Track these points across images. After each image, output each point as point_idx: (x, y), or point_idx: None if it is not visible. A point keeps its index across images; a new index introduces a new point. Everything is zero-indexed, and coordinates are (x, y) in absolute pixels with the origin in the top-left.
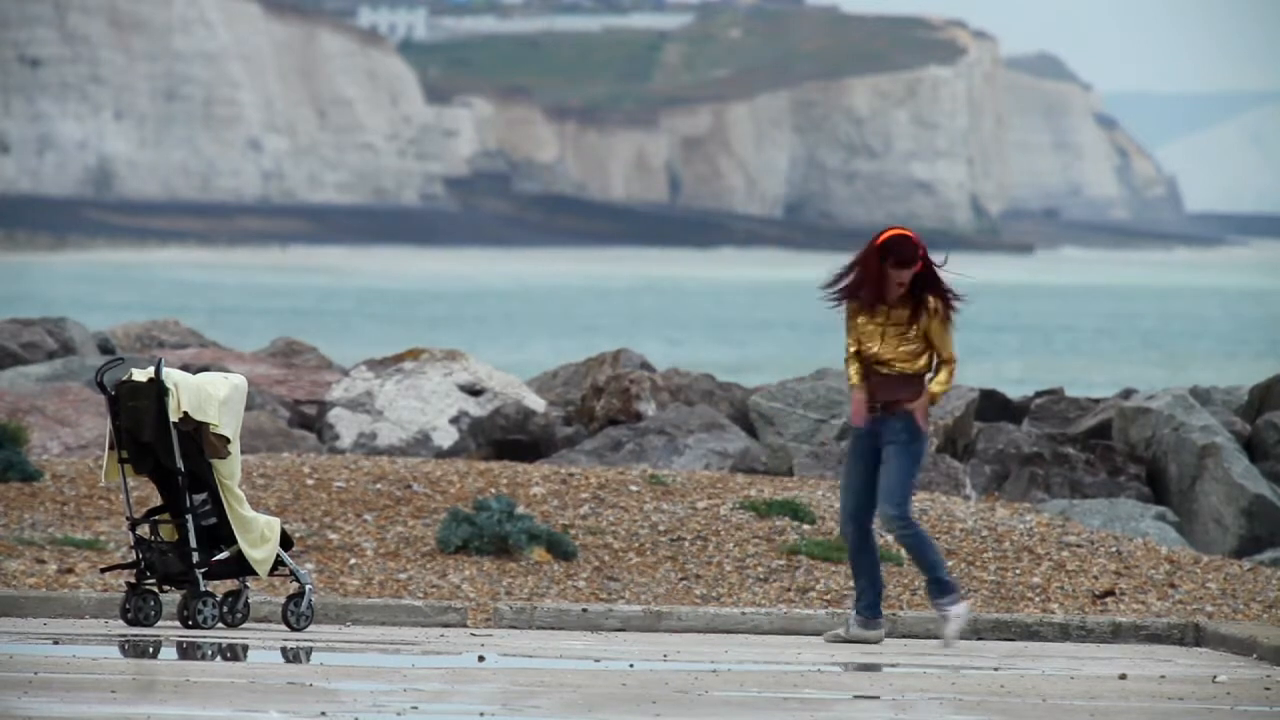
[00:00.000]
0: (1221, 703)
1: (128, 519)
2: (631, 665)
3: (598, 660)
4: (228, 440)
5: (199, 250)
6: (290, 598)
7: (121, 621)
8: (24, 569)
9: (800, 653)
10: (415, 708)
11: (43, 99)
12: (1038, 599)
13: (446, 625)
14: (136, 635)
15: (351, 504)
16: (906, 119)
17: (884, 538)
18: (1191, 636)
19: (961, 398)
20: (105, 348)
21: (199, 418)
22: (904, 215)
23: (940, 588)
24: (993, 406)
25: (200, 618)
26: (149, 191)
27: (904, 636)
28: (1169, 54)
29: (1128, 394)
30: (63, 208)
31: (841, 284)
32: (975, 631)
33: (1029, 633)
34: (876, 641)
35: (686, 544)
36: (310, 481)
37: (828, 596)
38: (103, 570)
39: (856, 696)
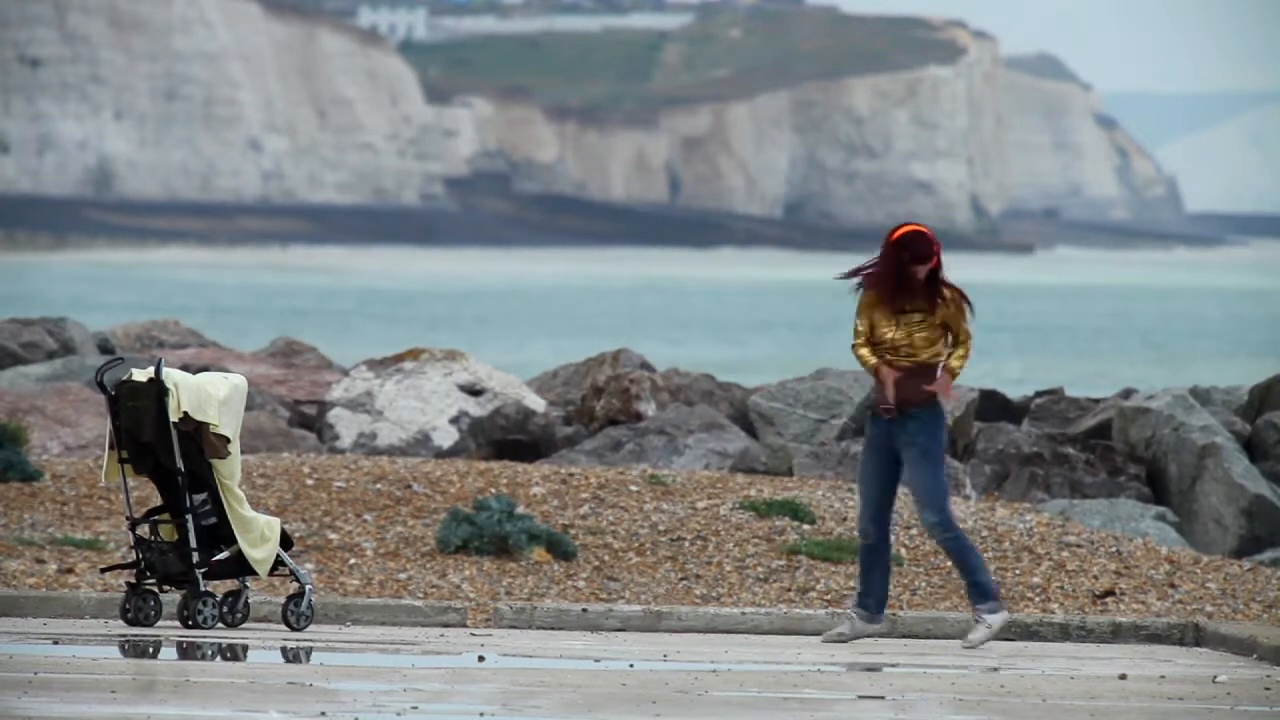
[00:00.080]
0: (1221, 703)
1: (128, 519)
2: (631, 665)
3: (598, 660)
4: (228, 440)
5: (199, 250)
6: (290, 598)
7: (121, 621)
8: (24, 569)
9: (800, 653)
10: (415, 708)
11: (43, 99)
12: (1038, 599)
13: (446, 625)
14: (136, 635)
15: (351, 504)
16: (906, 119)
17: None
18: (1191, 636)
19: (962, 398)
20: (105, 348)
21: (199, 418)
22: (904, 215)
23: (981, 592)
24: (993, 406)
25: (200, 618)
26: (149, 191)
27: (904, 637)
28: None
29: (1128, 394)
30: (63, 208)
31: (863, 273)
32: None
33: (1029, 633)
34: (879, 634)
35: (686, 544)
36: (310, 481)
37: (828, 596)
38: (103, 570)
39: (857, 696)
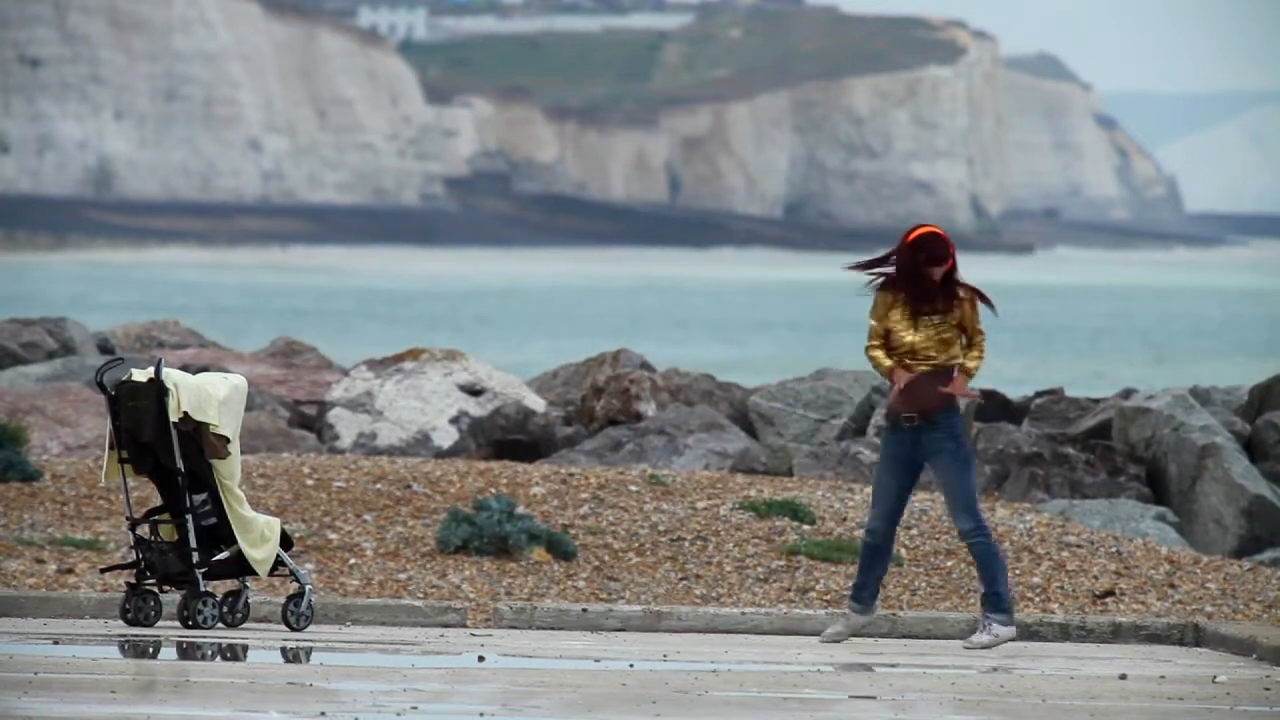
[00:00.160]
0: (1221, 703)
1: (128, 519)
2: (631, 665)
3: (598, 660)
4: (228, 440)
5: (199, 250)
6: (290, 598)
7: (121, 621)
8: (24, 569)
9: (800, 653)
10: (415, 708)
11: (43, 99)
12: (1038, 599)
13: (446, 625)
14: (136, 635)
15: (351, 504)
16: (906, 119)
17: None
18: (1191, 636)
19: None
20: (105, 348)
21: (199, 418)
22: (904, 215)
23: (997, 602)
24: (993, 406)
25: (200, 618)
26: (149, 191)
27: (904, 637)
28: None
29: (1128, 394)
30: (63, 208)
31: (878, 269)
32: (973, 632)
33: (1029, 633)
34: (871, 623)
35: (686, 544)
36: (310, 481)
37: (828, 596)
38: (103, 570)
39: (856, 696)
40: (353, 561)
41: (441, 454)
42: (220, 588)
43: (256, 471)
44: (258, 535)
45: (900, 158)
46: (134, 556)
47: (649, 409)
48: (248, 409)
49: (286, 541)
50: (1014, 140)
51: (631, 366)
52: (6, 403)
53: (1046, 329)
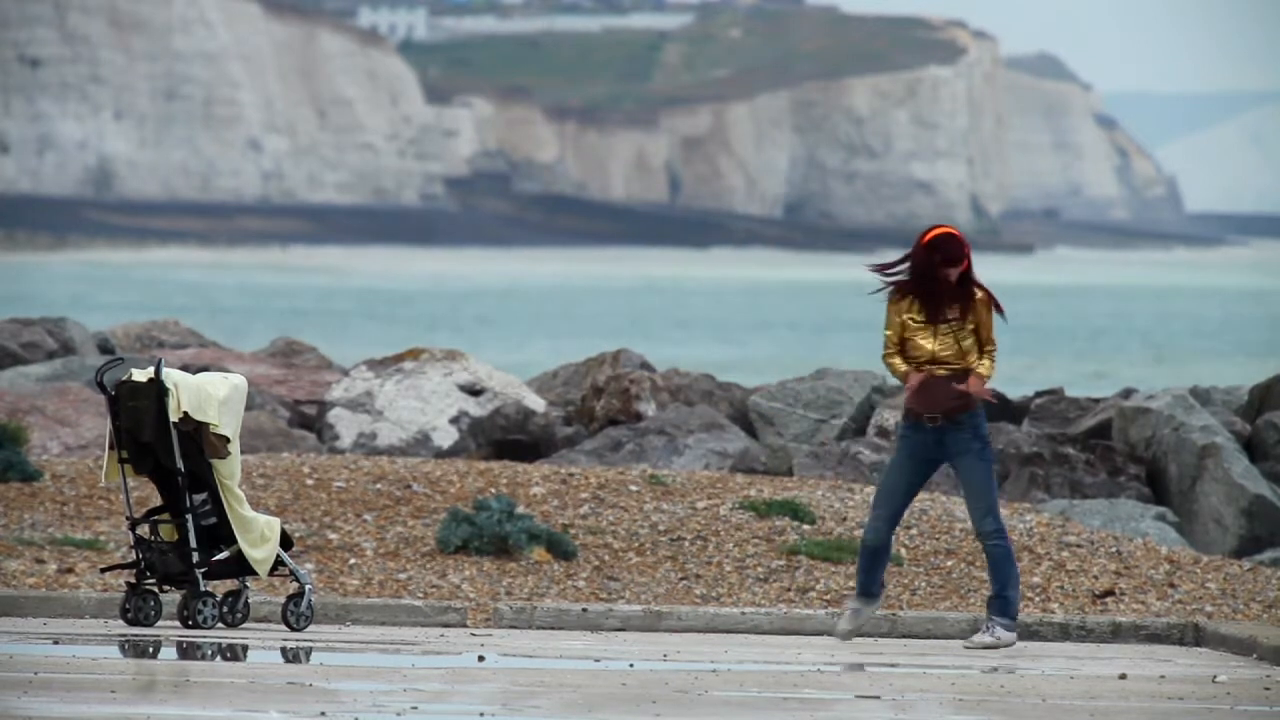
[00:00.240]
0: (1221, 703)
1: (128, 519)
2: (631, 665)
3: (598, 660)
4: (228, 440)
5: (199, 250)
6: (290, 598)
7: (121, 621)
8: (24, 569)
9: (800, 653)
10: (415, 708)
11: (43, 99)
12: (1038, 599)
13: (446, 625)
14: (136, 635)
15: (351, 504)
16: (906, 119)
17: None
18: (1191, 636)
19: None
20: (105, 348)
21: (199, 418)
22: (904, 215)
23: (1004, 606)
24: (993, 407)
25: (200, 618)
26: (149, 191)
27: (904, 637)
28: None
29: (1128, 394)
30: (63, 208)
31: (893, 272)
32: (975, 632)
33: (1029, 633)
34: (875, 608)
35: (686, 544)
36: (310, 481)
37: (828, 596)
38: (103, 570)
39: (857, 696)
40: (353, 561)
41: (441, 454)
42: (220, 588)
43: (256, 471)
44: (258, 535)
45: (900, 158)
46: (134, 556)
47: (649, 409)
48: (248, 409)
49: (286, 541)
50: (1014, 140)
51: (631, 366)
52: (6, 403)
53: (1046, 329)
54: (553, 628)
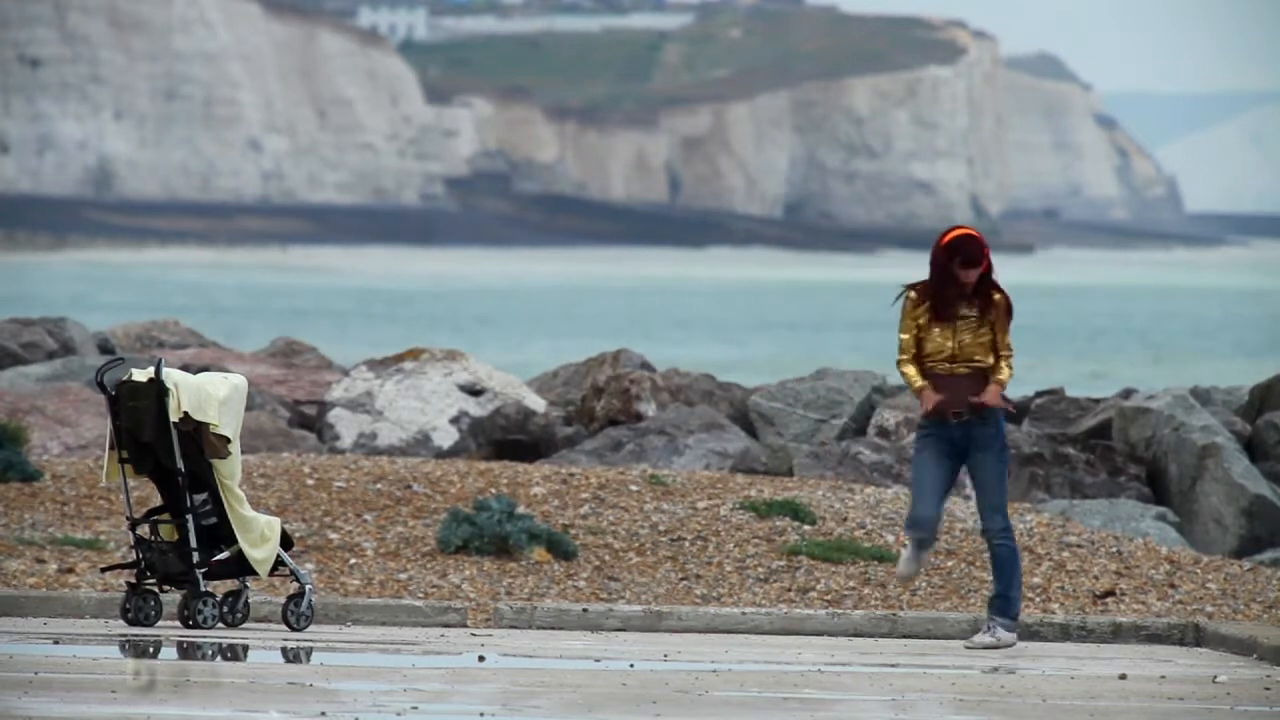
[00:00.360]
0: (1221, 703)
1: (128, 519)
2: (632, 665)
3: (598, 660)
4: (228, 440)
5: (199, 250)
6: (290, 598)
7: (121, 621)
8: (24, 569)
9: (800, 653)
10: (415, 708)
11: (43, 99)
12: (1038, 599)
13: (446, 625)
14: (136, 635)
15: (351, 504)
16: (906, 119)
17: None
18: (1191, 636)
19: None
20: (105, 348)
21: (199, 418)
22: (904, 215)
23: (1005, 606)
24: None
25: (200, 618)
26: (149, 191)
27: (904, 637)
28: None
29: (1128, 394)
30: (63, 208)
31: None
32: (976, 632)
33: (1029, 633)
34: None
35: (686, 544)
36: (310, 481)
37: (828, 597)
38: (103, 570)
39: (857, 697)
40: (353, 561)
41: (442, 454)
42: (220, 588)
43: (256, 471)
44: (258, 535)
45: (900, 158)
46: (134, 556)
47: (649, 409)
48: (248, 409)
49: (287, 541)
50: (1014, 140)
51: (631, 366)
52: (6, 403)
53: (1046, 329)
54: (553, 628)
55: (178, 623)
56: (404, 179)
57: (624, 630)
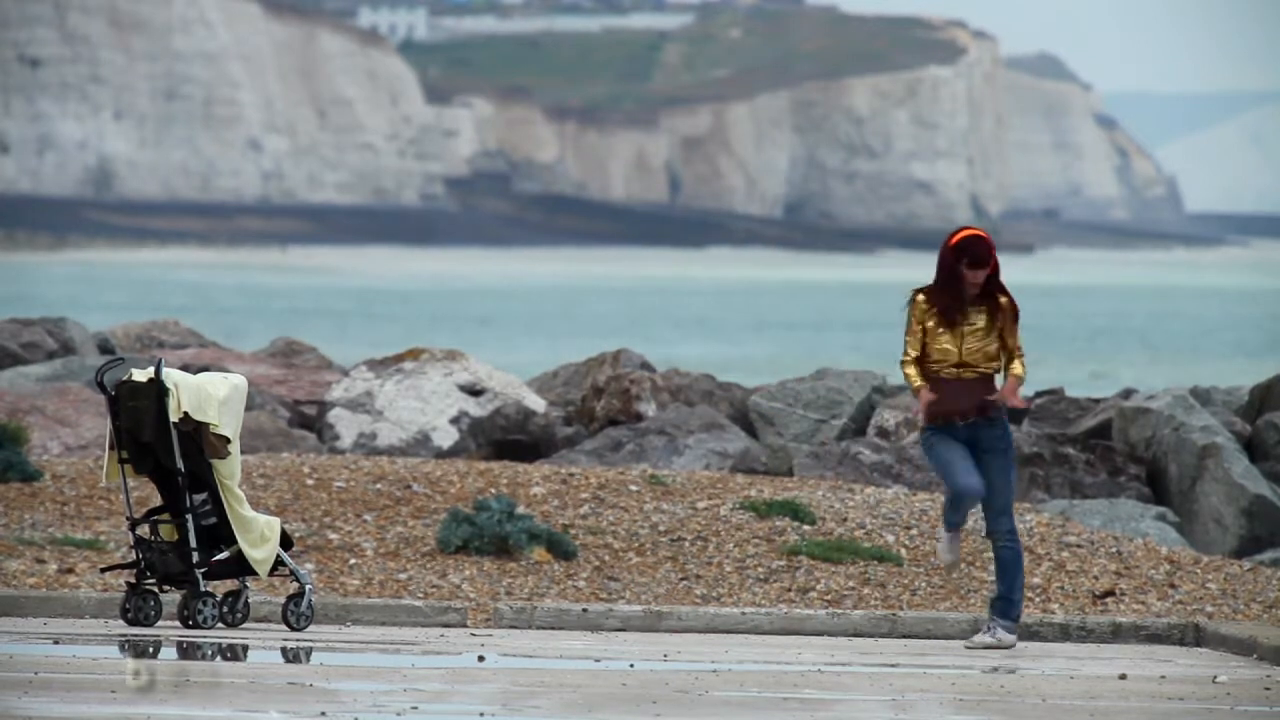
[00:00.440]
0: (1221, 703)
1: (128, 519)
2: (632, 665)
3: (598, 660)
4: (228, 440)
5: (199, 250)
6: (290, 598)
7: (121, 621)
8: (24, 569)
9: (800, 653)
10: (415, 708)
11: (43, 99)
12: (1038, 599)
13: (446, 625)
14: (136, 635)
15: (351, 504)
16: (906, 119)
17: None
18: (1191, 636)
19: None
20: (105, 348)
21: (199, 418)
22: (904, 215)
23: (1007, 608)
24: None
25: (200, 618)
26: (149, 191)
27: (904, 637)
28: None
29: (1128, 394)
30: (63, 208)
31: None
32: (976, 632)
33: (1029, 633)
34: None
35: (686, 544)
36: (310, 481)
37: (828, 597)
38: (103, 570)
39: (856, 697)
40: (353, 561)
41: (442, 454)
42: (220, 588)
43: (256, 471)
44: (258, 535)
45: (900, 158)
46: (134, 556)
47: (649, 409)
48: (248, 409)
49: (286, 541)
50: (1014, 140)
51: (631, 366)
52: (6, 403)
53: (1046, 329)
54: (553, 628)
55: (178, 623)
56: (404, 179)
57: (624, 630)
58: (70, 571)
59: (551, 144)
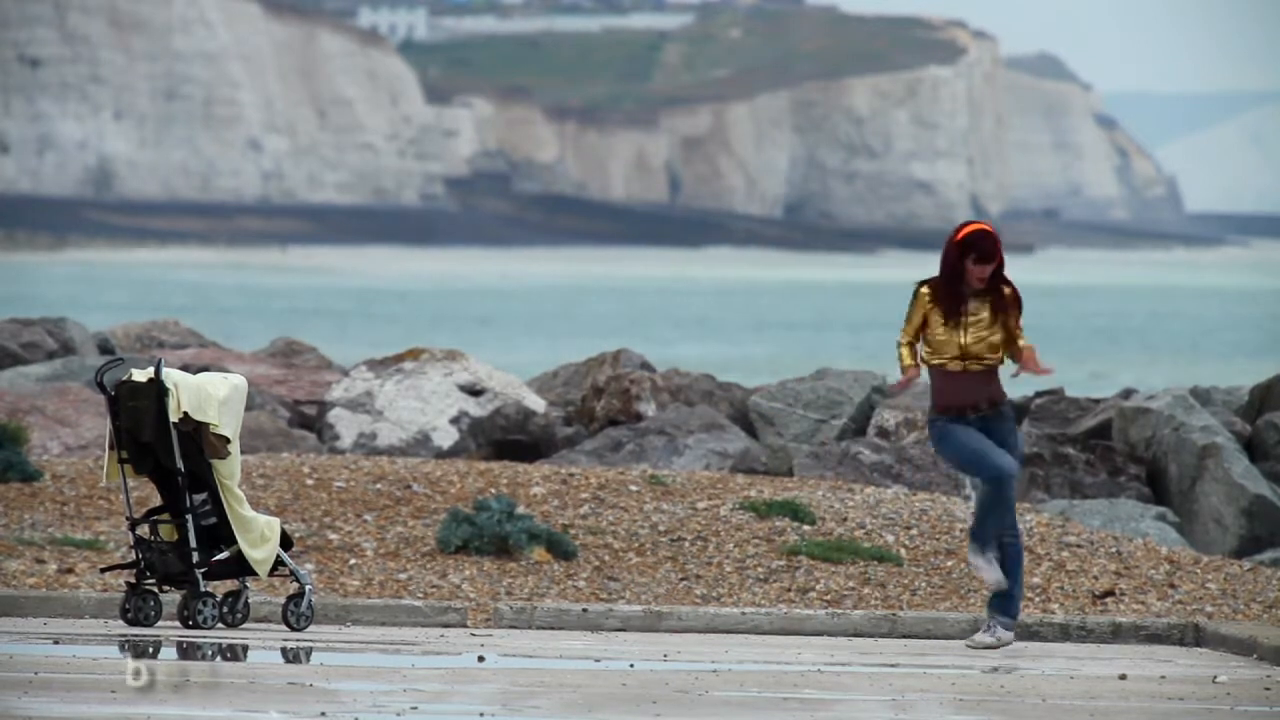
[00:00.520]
0: (1221, 703)
1: (128, 519)
2: (631, 665)
3: (598, 660)
4: (228, 440)
5: (199, 250)
6: (290, 598)
7: (121, 621)
8: (24, 569)
9: (800, 653)
10: (415, 708)
11: (43, 99)
12: (1038, 599)
13: (446, 625)
14: (136, 635)
15: (351, 504)
16: (906, 119)
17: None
18: (1191, 636)
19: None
20: (105, 348)
21: (199, 418)
22: (904, 215)
23: (1007, 605)
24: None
25: (200, 618)
26: (149, 191)
27: (904, 637)
28: (1169, 54)
29: (1128, 394)
30: (63, 208)
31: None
32: (975, 632)
33: (1029, 633)
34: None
35: (686, 544)
36: (310, 481)
37: (828, 597)
38: (103, 570)
39: (856, 697)
40: (353, 562)
41: (442, 454)
42: (220, 588)
43: (256, 471)
44: (258, 535)
45: (900, 158)
46: (134, 556)
47: (649, 409)
48: (248, 409)
49: (286, 541)
50: (1014, 140)
51: (631, 366)
52: (6, 403)
53: (1046, 329)
54: (553, 628)
55: (177, 623)
56: (404, 179)
57: (624, 630)
58: (70, 571)
59: (551, 144)
